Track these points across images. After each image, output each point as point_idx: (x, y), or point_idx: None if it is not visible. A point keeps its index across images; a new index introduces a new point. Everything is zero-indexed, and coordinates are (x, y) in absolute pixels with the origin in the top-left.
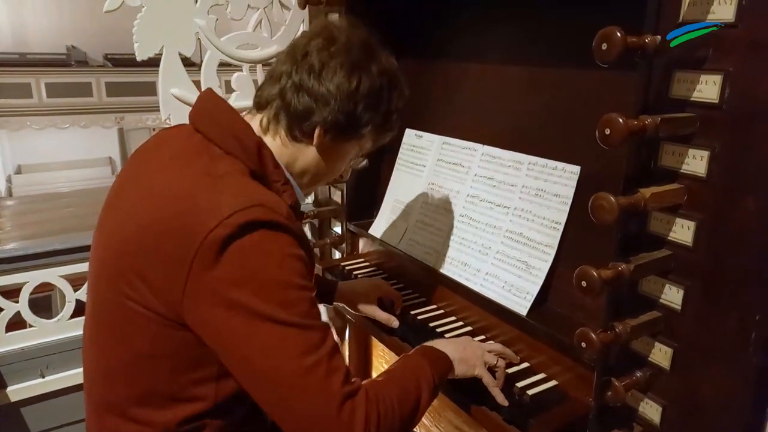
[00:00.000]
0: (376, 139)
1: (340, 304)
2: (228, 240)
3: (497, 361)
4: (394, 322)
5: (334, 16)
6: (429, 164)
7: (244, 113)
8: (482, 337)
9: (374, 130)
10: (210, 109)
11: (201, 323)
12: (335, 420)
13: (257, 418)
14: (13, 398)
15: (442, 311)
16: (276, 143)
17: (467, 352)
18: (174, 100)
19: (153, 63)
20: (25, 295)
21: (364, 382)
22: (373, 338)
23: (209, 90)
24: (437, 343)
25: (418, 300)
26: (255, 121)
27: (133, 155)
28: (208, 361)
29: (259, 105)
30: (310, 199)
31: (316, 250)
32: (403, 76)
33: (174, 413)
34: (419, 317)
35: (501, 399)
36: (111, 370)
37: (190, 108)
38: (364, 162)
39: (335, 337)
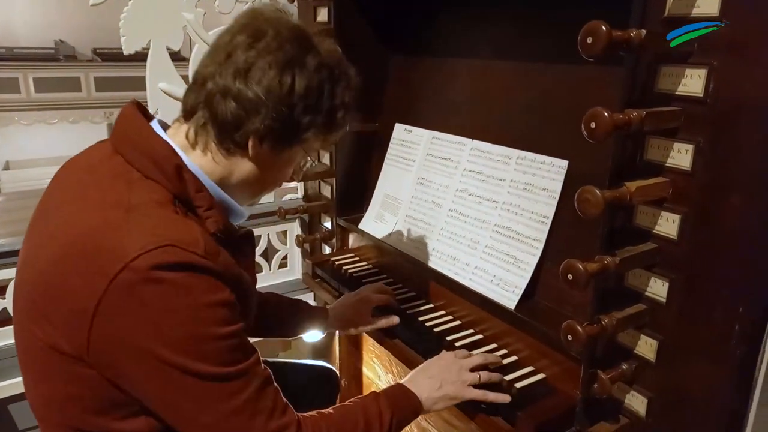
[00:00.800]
0: (323, 139)
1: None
2: (134, 286)
3: (479, 377)
4: (395, 320)
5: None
6: (418, 159)
7: (172, 122)
8: (471, 330)
9: (319, 131)
10: (127, 128)
11: (112, 371)
12: None
13: None
14: (1, 395)
15: (431, 306)
16: (207, 159)
17: (444, 389)
18: (162, 95)
19: (142, 57)
20: (11, 292)
21: (311, 414)
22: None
23: (130, 106)
24: (415, 380)
25: (408, 295)
26: (181, 133)
27: (58, 172)
28: (130, 398)
29: (186, 114)
30: (300, 193)
31: (306, 246)
32: (349, 65)
33: None
34: (408, 312)
35: (502, 399)
36: (33, 406)
37: (179, 102)
38: (313, 162)
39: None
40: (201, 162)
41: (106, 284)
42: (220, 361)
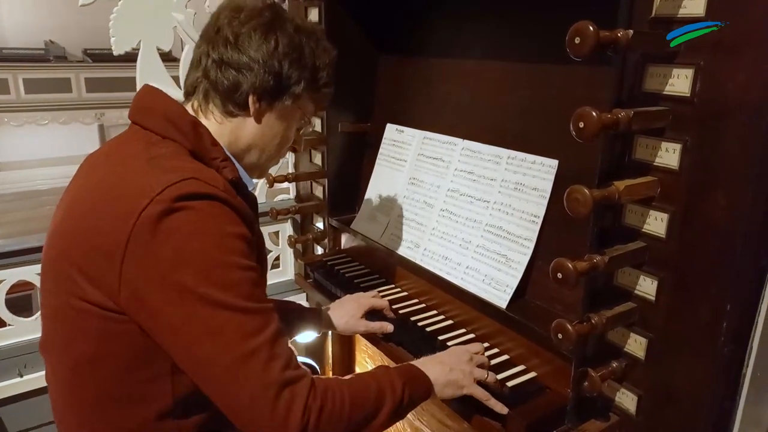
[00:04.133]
0: (314, 98)
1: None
2: (162, 216)
3: (487, 375)
4: (389, 327)
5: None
6: (410, 159)
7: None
8: (463, 330)
9: (308, 87)
10: (143, 98)
11: (139, 310)
12: (271, 407)
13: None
14: None
15: (423, 305)
16: (212, 123)
17: (454, 374)
18: None
19: (133, 58)
20: (1, 294)
21: (325, 376)
22: None
23: (145, 85)
24: (424, 363)
25: (400, 294)
26: (188, 108)
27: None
28: (157, 355)
29: (187, 93)
30: (292, 194)
31: (299, 246)
32: (323, 34)
33: (132, 417)
34: (401, 311)
35: (500, 408)
36: (60, 381)
37: None
38: (311, 125)
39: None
40: (209, 127)
41: (134, 220)
42: (240, 293)
